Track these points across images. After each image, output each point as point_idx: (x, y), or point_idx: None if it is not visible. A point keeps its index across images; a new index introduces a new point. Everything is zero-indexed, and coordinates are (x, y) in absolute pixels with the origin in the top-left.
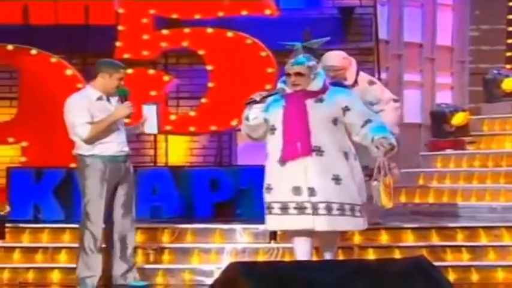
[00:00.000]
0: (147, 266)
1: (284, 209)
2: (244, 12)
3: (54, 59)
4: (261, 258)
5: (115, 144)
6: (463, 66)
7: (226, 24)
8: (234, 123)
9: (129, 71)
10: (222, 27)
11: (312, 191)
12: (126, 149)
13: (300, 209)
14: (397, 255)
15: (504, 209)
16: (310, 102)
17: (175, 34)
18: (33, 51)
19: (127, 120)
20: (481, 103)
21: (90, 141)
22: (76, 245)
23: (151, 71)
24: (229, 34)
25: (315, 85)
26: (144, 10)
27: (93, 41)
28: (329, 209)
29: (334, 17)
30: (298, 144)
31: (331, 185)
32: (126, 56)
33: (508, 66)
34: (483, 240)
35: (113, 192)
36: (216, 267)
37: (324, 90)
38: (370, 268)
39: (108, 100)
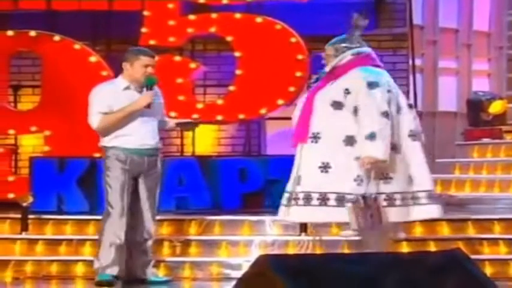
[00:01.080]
0: (173, 259)
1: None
2: None
3: (77, 46)
4: (291, 251)
5: (136, 137)
6: (500, 52)
7: (255, 9)
8: (262, 111)
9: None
10: (251, 13)
11: (298, 180)
12: (152, 142)
13: (285, 199)
14: (432, 248)
15: None
16: (327, 85)
17: (203, 20)
18: (56, 38)
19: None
20: None
21: (103, 131)
22: None
23: (177, 58)
24: (258, 19)
25: (329, 66)
26: None
27: (118, 27)
28: (308, 199)
29: (367, 2)
30: (297, 130)
31: (316, 173)
32: (151, 42)
33: None
34: None
35: (135, 184)
36: (245, 260)
37: (343, 71)
38: (404, 261)
39: (140, 91)
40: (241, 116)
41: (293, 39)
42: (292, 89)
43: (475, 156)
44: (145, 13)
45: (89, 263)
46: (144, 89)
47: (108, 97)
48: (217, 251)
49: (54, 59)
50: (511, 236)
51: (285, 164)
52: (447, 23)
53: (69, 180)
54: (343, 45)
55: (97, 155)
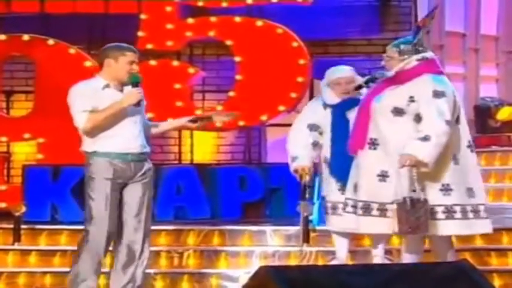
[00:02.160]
0: (171, 270)
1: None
2: (274, 0)
3: (72, 50)
4: (292, 262)
5: (121, 140)
6: (509, 57)
7: (256, 12)
8: (263, 118)
9: (152, 62)
10: (251, 16)
11: (355, 187)
12: (138, 145)
13: (345, 206)
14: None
15: None
16: (387, 90)
17: (201, 23)
18: (50, 42)
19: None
20: None
21: (91, 132)
22: None
23: (175, 63)
24: (259, 23)
25: (394, 70)
26: None
27: (114, 30)
28: (367, 209)
29: (371, 5)
30: (355, 136)
31: (374, 182)
32: (149, 46)
33: None
34: None
35: (120, 195)
36: (245, 271)
37: (409, 76)
38: (410, 273)
39: (121, 90)
40: (241, 123)
41: (295, 44)
42: (293, 94)
43: (483, 164)
44: (143, 16)
45: None
46: (129, 87)
47: (89, 95)
48: (217, 262)
49: (48, 63)
50: None
51: (286, 172)
52: (454, 27)
53: (64, 189)
54: (409, 48)
55: None
